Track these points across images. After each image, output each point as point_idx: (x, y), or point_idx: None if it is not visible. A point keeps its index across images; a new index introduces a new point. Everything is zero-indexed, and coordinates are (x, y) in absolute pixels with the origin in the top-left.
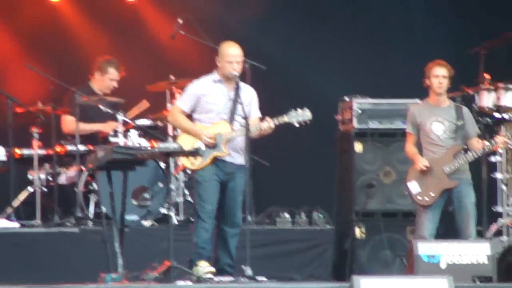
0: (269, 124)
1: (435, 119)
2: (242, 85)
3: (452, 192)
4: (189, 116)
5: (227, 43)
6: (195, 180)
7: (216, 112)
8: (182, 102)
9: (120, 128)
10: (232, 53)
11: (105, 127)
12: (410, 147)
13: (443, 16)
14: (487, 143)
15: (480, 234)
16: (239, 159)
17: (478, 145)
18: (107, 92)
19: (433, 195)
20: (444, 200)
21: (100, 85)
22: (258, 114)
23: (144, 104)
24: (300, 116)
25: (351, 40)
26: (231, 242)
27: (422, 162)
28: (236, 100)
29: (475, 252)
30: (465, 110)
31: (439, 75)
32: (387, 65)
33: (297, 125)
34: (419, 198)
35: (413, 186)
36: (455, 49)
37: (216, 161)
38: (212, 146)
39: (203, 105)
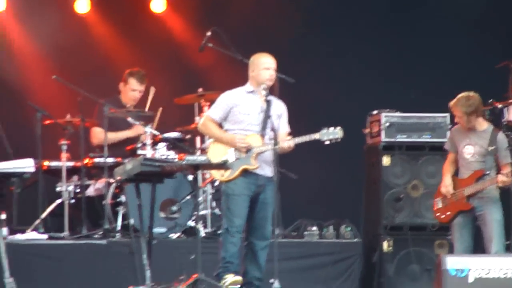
0: (289, 143)
1: (468, 142)
2: (273, 98)
3: (476, 211)
4: (220, 127)
5: (261, 53)
6: (225, 193)
7: (248, 123)
8: (214, 111)
9: (148, 140)
10: (268, 61)
11: (132, 132)
12: (445, 166)
13: (472, 30)
14: (501, 179)
15: (509, 249)
16: (269, 171)
17: (499, 176)
18: (133, 104)
19: (449, 213)
20: (471, 220)
21: (124, 97)
22: (287, 129)
23: (159, 111)
24: (331, 134)
25: (380, 54)
26: (261, 255)
27: (445, 186)
28: (267, 112)
29: (503, 266)
30: (500, 136)
31: (456, 115)
32: (415, 79)
33: (327, 143)
34: (437, 214)
35: (437, 203)
36: (484, 63)
37: (247, 173)
38: (245, 152)
39: (235, 116)
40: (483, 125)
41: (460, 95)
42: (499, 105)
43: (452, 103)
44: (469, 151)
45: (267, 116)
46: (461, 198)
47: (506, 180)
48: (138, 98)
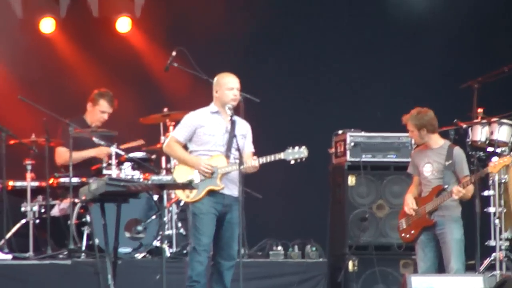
0: (254, 163)
1: (427, 161)
2: (238, 118)
3: (436, 230)
4: (184, 147)
5: (225, 73)
6: (192, 212)
7: (213, 143)
8: (178, 132)
9: (113, 160)
10: (232, 80)
11: (97, 151)
12: (410, 188)
13: (438, 50)
14: (456, 189)
15: (473, 268)
16: (236, 191)
17: (454, 188)
18: (98, 125)
19: (413, 232)
20: (433, 238)
21: (91, 117)
22: (251, 149)
23: (140, 142)
24: (296, 153)
25: (345, 74)
26: (227, 275)
27: (407, 204)
28: (232, 132)
29: (468, 286)
30: (456, 150)
31: (409, 129)
32: (381, 99)
33: (292, 162)
34: (402, 235)
35: (401, 224)
36: (449, 83)
37: (213, 193)
38: (209, 177)
39: (200, 136)
40: (439, 142)
41: (410, 112)
42: (464, 125)
43: (404, 117)
44: (428, 169)
45: (232, 136)
46: (423, 214)
47: (461, 190)
48: (105, 120)
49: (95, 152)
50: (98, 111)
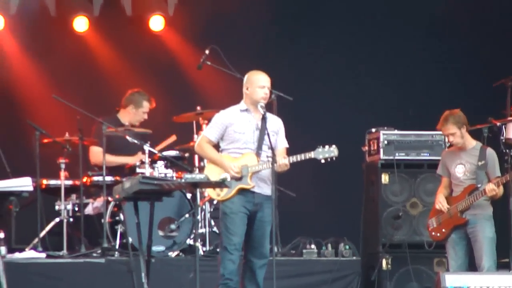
0: (284, 161)
1: (459, 162)
2: (269, 115)
3: (467, 228)
4: (217, 146)
5: (255, 71)
6: (223, 211)
7: (243, 141)
8: (209, 132)
9: (147, 159)
10: (263, 78)
11: (133, 160)
12: (439, 189)
13: (471, 48)
14: (489, 187)
15: (507, 267)
16: (267, 189)
17: (488, 185)
18: (136, 124)
19: (444, 230)
20: (465, 236)
21: (131, 118)
22: (285, 144)
23: (172, 139)
24: (326, 152)
25: (378, 71)
26: (259, 273)
27: (439, 202)
28: (263, 129)
29: (502, 284)
30: (489, 151)
31: (446, 134)
32: (414, 97)
33: (323, 161)
34: (433, 233)
35: (431, 223)
36: (483, 81)
37: (244, 192)
38: (238, 179)
39: (230, 135)
40: (472, 143)
41: (443, 115)
42: (498, 123)
43: (440, 124)
44: (460, 170)
45: (263, 133)
46: (455, 213)
47: (494, 188)
48: (145, 119)
49: (132, 160)
50: (141, 113)
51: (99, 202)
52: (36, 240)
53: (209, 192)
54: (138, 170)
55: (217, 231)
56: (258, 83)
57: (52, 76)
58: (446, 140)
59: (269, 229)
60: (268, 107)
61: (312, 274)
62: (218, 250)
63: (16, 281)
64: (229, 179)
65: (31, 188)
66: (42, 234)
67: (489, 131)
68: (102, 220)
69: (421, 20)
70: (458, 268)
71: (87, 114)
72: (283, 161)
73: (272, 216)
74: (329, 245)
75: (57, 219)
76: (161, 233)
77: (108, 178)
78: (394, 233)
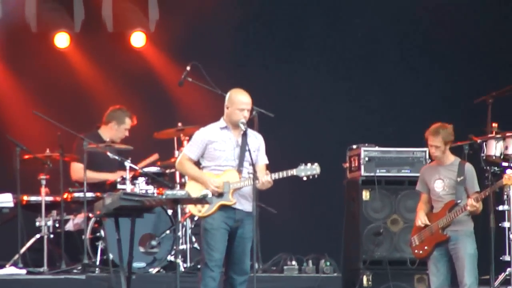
0: (266, 179)
1: (438, 177)
2: (250, 131)
3: (449, 244)
4: (197, 163)
5: (238, 90)
6: (203, 227)
7: (224, 158)
8: (189, 150)
9: (128, 175)
10: (243, 101)
11: (114, 176)
12: (419, 205)
13: (452, 65)
14: (470, 202)
15: (488, 283)
16: (248, 206)
17: (468, 200)
18: (117, 141)
19: (426, 248)
20: (446, 253)
21: (113, 134)
22: (265, 161)
23: (154, 157)
24: (309, 170)
25: (360, 89)
26: None
27: (419, 219)
28: (244, 146)
29: None
30: (467, 166)
31: (431, 144)
32: (394, 114)
33: (305, 179)
34: (415, 251)
35: (414, 240)
36: (463, 98)
37: (225, 208)
38: (219, 195)
39: (211, 152)
40: (451, 158)
41: (436, 125)
42: (478, 140)
43: (430, 132)
44: (439, 185)
45: (243, 150)
46: (436, 230)
47: (475, 204)
48: (127, 136)
49: (112, 177)
50: (123, 129)
51: (79, 218)
52: (16, 256)
53: (190, 208)
54: (119, 186)
55: (198, 248)
56: (238, 106)
57: (33, 92)
58: (427, 155)
59: (249, 245)
60: (250, 124)
61: None
62: (199, 266)
63: None
64: (210, 195)
65: (11, 204)
66: (22, 250)
67: (469, 148)
68: (83, 236)
69: (401, 37)
70: (440, 285)
71: (68, 130)
72: (266, 178)
73: (253, 232)
74: (310, 262)
75: (38, 235)
76: (142, 249)
77: (89, 194)
78: (375, 250)
